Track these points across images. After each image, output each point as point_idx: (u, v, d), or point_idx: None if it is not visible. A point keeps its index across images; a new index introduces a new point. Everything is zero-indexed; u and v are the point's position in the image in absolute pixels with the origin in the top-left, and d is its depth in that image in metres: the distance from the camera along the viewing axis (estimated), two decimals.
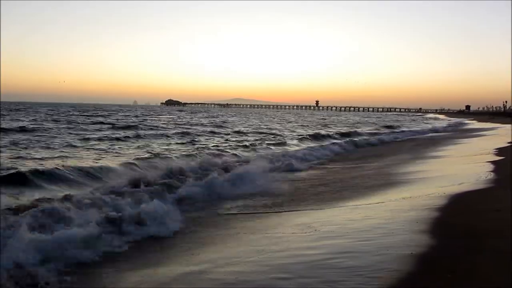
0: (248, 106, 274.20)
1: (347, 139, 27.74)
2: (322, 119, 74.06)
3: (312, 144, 24.63)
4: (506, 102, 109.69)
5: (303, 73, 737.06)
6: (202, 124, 42.06)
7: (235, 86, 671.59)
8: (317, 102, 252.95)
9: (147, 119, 48.92)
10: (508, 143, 20.56)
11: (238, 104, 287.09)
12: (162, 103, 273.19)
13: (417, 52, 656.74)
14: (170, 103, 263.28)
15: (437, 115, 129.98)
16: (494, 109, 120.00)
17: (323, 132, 34.90)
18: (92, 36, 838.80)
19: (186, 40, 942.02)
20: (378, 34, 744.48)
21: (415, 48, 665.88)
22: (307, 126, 47.56)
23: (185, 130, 31.48)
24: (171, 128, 33.79)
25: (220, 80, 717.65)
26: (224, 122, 49.63)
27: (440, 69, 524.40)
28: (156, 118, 53.13)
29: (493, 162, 13.25)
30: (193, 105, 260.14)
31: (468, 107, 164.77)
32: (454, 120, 75.99)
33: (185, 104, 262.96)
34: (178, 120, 50.94)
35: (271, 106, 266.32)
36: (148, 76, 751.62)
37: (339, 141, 26.13)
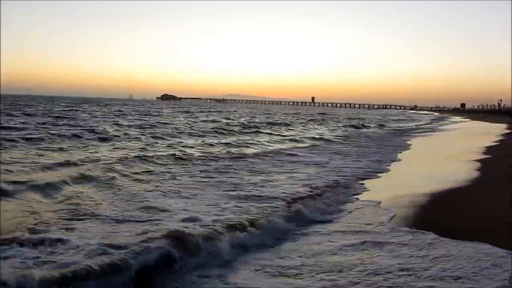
0: (244, 101, 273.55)
1: None
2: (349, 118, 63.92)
3: None
4: (500, 100, 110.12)
5: (300, 72, 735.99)
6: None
7: (230, 82, 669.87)
8: (313, 98, 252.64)
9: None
10: (494, 142, 20.56)
11: (234, 100, 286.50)
12: (157, 98, 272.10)
13: (414, 51, 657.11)
14: (165, 97, 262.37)
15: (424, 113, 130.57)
16: (489, 107, 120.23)
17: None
18: (88, 31, 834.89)
19: (183, 36, 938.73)
20: (376, 33, 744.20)
21: (412, 47, 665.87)
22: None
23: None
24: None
25: (215, 75, 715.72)
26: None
27: (436, 68, 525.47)
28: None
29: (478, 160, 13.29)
30: (189, 100, 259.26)
31: (463, 105, 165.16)
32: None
33: (180, 98, 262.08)
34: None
35: (267, 102, 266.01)
36: (143, 70, 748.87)
37: None
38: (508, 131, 29.15)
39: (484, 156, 14.73)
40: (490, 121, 48.88)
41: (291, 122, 41.76)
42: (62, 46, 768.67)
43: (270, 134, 27.14)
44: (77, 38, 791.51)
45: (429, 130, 37.25)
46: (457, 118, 71.41)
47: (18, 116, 32.52)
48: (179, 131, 25.32)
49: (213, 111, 67.64)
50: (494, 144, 19.53)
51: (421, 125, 47.78)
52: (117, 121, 31.48)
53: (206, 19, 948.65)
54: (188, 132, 24.77)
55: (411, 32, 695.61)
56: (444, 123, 53.16)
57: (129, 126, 27.58)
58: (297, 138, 24.38)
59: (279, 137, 25.06)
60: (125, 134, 21.90)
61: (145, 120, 35.33)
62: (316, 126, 38.25)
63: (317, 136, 26.44)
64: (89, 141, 18.19)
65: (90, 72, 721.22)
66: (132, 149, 16.21)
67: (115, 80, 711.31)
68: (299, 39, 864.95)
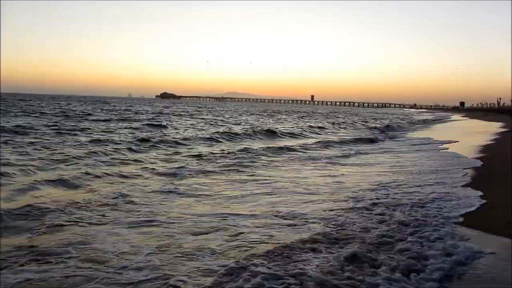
0: (243, 100, 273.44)
1: None
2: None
3: None
4: (500, 99, 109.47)
5: (299, 71, 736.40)
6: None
7: (229, 81, 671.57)
8: (312, 96, 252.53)
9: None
10: (491, 140, 20.42)
11: (233, 98, 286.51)
12: (157, 96, 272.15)
13: (414, 50, 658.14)
14: (165, 96, 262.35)
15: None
16: (488, 105, 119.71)
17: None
18: (88, 30, 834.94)
19: (183, 36, 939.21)
20: (376, 33, 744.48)
21: (412, 46, 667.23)
22: None
23: None
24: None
25: (214, 74, 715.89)
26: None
27: (436, 67, 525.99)
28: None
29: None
30: (188, 98, 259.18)
31: (462, 103, 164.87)
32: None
33: (180, 97, 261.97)
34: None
35: (266, 100, 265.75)
36: (141, 69, 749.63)
37: None
38: (505, 129, 29.07)
39: (481, 155, 14.69)
40: (489, 120, 48.60)
41: (322, 125, 37.72)
42: (61, 45, 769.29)
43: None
44: (76, 38, 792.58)
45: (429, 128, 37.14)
46: (457, 117, 71.25)
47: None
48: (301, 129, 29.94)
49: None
50: (490, 142, 19.55)
51: (421, 123, 47.69)
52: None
53: (206, 19, 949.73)
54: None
55: (411, 31, 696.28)
56: (444, 122, 53.11)
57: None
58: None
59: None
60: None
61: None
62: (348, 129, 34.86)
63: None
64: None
65: (89, 71, 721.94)
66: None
67: (113, 78, 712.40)
68: (299, 39, 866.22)
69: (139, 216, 7.00)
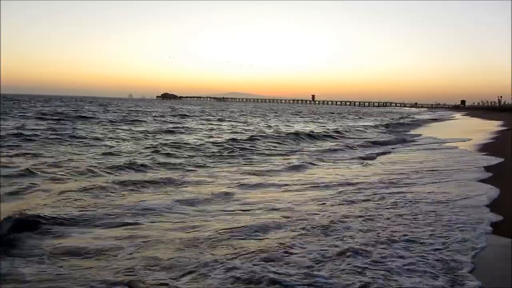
0: (244, 100, 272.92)
1: None
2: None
3: None
4: (501, 97, 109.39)
5: (299, 70, 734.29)
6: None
7: (229, 80, 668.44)
8: (313, 96, 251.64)
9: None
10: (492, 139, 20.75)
11: (234, 98, 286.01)
12: (158, 97, 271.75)
13: (415, 49, 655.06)
14: (166, 96, 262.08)
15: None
16: (489, 104, 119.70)
17: None
18: (87, 29, 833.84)
19: (183, 34, 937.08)
20: (376, 32, 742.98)
21: (412, 45, 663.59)
22: None
23: None
24: None
25: (214, 74, 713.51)
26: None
27: (437, 65, 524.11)
28: None
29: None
30: (189, 98, 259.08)
31: (463, 102, 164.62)
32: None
33: (181, 97, 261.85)
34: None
35: (267, 100, 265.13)
36: (142, 69, 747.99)
37: None
38: (505, 127, 29.25)
39: (484, 153, 15.04)
40: (491, 118, 48.84)
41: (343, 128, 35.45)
42: (61, 45, 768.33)
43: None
44: (76, 38, 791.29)
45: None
46: (459, 115, 71.41)
47: None
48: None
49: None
50: (499, 140, 20.02)
51: (425, 122, 48.11)
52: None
53: (206, 18, 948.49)
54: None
55: (411, 31, 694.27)
56: (447, 120, 53.35)
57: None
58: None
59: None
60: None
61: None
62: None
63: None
64: None
65: (89, 71, 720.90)
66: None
67: (113, 79, 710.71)
68: (298, 38, 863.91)
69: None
